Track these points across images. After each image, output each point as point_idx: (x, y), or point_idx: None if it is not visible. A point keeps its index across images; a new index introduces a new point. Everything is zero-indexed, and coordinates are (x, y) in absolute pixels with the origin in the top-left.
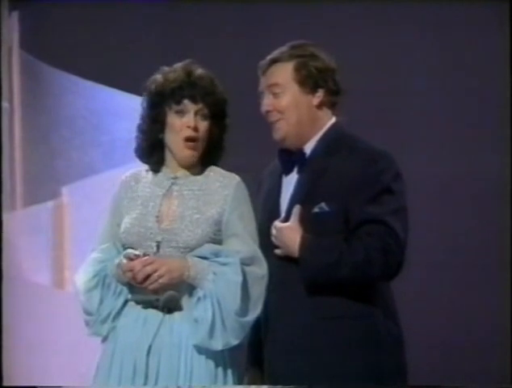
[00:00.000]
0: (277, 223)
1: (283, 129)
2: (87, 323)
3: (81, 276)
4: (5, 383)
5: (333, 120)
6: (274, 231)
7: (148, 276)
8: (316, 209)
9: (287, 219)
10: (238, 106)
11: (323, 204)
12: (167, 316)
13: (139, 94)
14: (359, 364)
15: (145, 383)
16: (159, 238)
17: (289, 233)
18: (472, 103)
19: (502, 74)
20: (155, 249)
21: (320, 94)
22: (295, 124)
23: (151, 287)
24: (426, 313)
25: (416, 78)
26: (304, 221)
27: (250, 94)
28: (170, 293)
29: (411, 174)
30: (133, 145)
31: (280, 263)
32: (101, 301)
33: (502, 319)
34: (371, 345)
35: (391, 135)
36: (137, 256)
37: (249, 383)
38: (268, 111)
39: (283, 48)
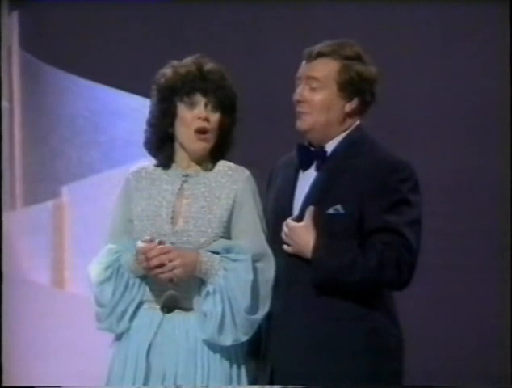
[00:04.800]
0: (290, 222)
1: (308, 124)
2: (99, 318)
3: (94, 267)
4: (5, 383)
5: (357, 123)
6: (286, 229)
7: (162, 265)
8: (331, 210)
9: (300, 217)
10: (241, 104)
11: (338, 206)
12: (181, 318)
13: (139, 94)
14: (359, 366)
15: (145, 382)
16: (173, 240)
17: (303, 233)
18: (471, 103)
19: (502, 74)
20: None
21: (354, 103)
22: (322, 124)
23: (163, 276)
24: (426, 313)
25: (415, 78)
26: (318, 220)
27: (251, 94)
28: (170, 292)
29: None
30: (133, 144)
31: (287, 260)
32: (114, 293)
33: (502, 319)
34: (371, 347)
35: (390, 135)
36: (152, 240)
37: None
38: (299, 102)
39: (332, 44)
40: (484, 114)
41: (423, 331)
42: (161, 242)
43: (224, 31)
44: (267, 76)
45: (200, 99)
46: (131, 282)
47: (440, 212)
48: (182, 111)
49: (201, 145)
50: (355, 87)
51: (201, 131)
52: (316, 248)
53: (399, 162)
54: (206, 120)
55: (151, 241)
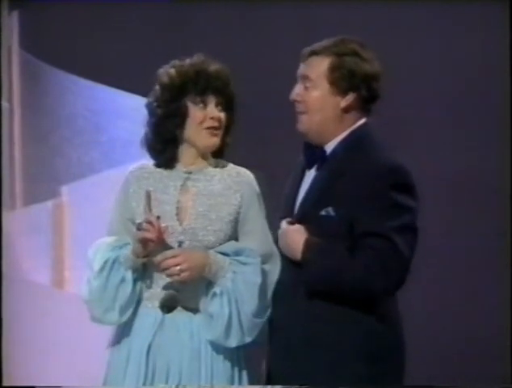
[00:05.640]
0: (283, 224)
1: (305, 124)
2: (91, 308)
3: (93, 252)
4: (5, 383)
5: (362, 121)
6: (280, 231)
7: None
8: (322, 212)
9: (297, 217)
10: (242, 104)
11: (330, 209)
12: (185, 317)
13: (139, 93)
14: (359, 368)
15: (147, 382)
16: (181, 238)
17: (293, 235)
18: (472, 103)
19: (502, 74)
20: (177, 247)
21: (349, 98)
22: (317, 122)
23: (168, 274)
24: (426, 313)
25: (415, 78)
26: (311, 222)
27: (251, 93)
28: (170, 292)
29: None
30: (133, 144)
31: (287, 261)
32: (106, 286)
33: (502, 319)
34: (370, 349)
35: (390, 136)
36: (150, 223)
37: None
38: (295, 101)
39: (326, 42)
40: (484, 114)
41: (423, 331)
42: (158, 218)
43: (225, 31)
44: (270, 77)
45: (212, 99)
46: (127, 277)
47: (440, 212)
48: (194, 110)
49: (212, 141)
50: (348, 83)
51: (213, 129)
52: (304, 251)
53: (394, 165)
54: (218, 119)
55: (150, 224)
